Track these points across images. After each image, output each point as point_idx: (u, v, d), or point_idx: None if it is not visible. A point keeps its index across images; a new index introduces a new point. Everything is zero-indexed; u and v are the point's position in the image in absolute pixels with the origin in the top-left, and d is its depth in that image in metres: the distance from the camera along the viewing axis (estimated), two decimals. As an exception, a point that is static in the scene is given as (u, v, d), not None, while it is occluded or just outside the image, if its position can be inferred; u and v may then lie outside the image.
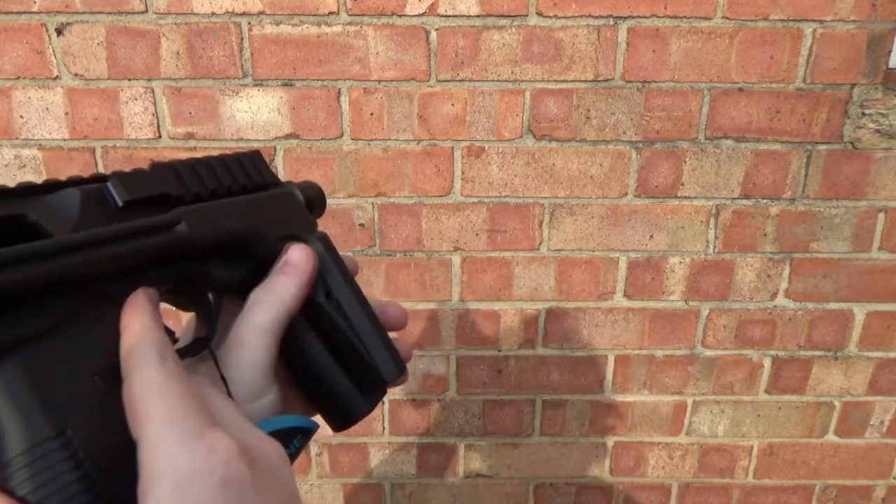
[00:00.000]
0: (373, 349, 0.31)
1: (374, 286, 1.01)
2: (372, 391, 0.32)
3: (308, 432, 0.29)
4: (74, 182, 0.22)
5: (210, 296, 0.28)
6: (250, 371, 0.27)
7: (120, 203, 0.22)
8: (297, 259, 0.29)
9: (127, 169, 0.25)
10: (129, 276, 0.22)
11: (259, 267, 0.29)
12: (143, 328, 0.21)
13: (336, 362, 0.31)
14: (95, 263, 0.20)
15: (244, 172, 0.30)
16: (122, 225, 0.22)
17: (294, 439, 0.28)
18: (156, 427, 0.19)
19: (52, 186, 0.21)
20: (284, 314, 0.28)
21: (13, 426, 0.17)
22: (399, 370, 0.32)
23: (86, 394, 0.20)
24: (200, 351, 0.26)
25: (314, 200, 0.34)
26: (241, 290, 0.28)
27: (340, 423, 0.32)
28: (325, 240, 0.32)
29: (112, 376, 0.20)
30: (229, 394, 0.26)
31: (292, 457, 0.28)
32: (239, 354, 0.27)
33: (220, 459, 0.19)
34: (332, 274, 0.31)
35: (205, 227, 0.26)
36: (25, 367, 0.18)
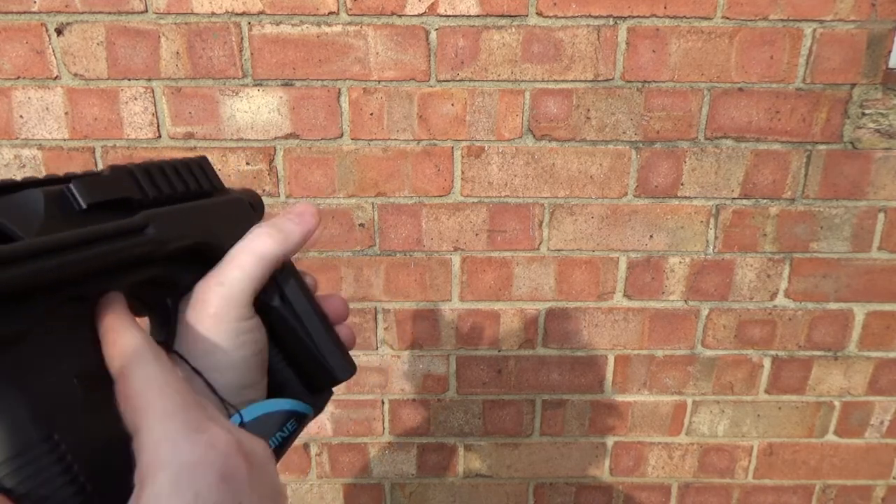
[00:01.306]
0: (325, 350, 0.32)
1: (374, 286, 1.01)
2: (322, 391, 0.32)
3: (302, 417, 0.29)
4: (31, 183, 0.22)
5: (168, 300, 0.28)
6: (236, 309, 0.26)
7: (83, 205, 0.22)
8: (303, 209, 0.30)
9: (81, 171, 0.24)
10: (99, 279, 0.23)
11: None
12: (135, 329, 0.22)
13: (288, 365, 0.31)
14: (70, 266, 0.20)
15: (195, 178, 0.30)
16: (94, 227, 0.22)
17: (287, 423, 0.28)
18: (157, 420, 0.19)
19: (10, 187, 0.21)
20: (281, 253, 0.28)
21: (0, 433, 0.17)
22: (351, 369, 0.33)
23: (68, 395, 0.20)
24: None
25: (256, 207, 0.34)
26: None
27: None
28: None
29: (91, 376, 0.21)
30: (209, 385, 0.26)
31: (286, 441, 0.28)
32: (219, 292, 0.26)
33: (219, 453, 0.19)
34: (286, 277, 0.31)
35: (171, 231, 0.26)
36: (6, 372, 0.18)
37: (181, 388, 0.20)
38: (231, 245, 0.29)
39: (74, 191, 0.22)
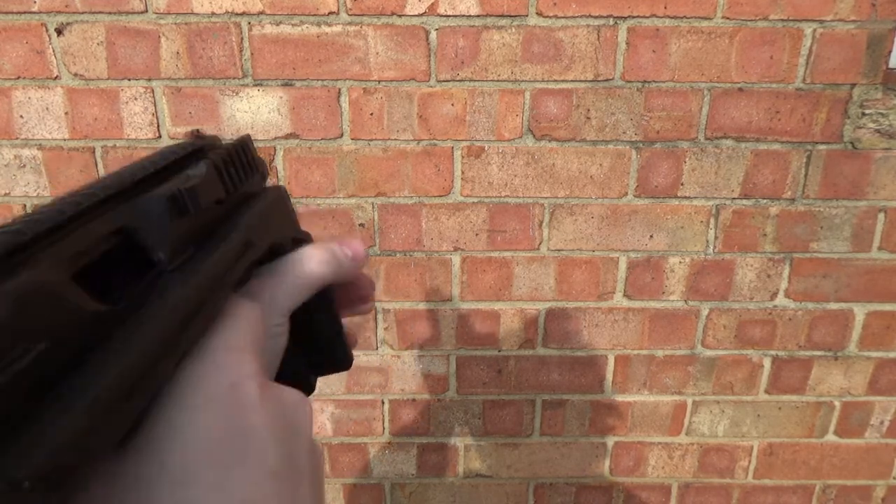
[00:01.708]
0: (333, 347, 0.33)
1: (375, 286, 1.01)
2: (315, 375, 0.34)
3: None
4: (148, 177, 0.22)
5: None
6: (276, 318, 0.28)
7: (194, 211, 0.23)
8: (359, 250, 0.31)
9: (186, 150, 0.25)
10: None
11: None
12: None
13: (293, 353, 0.32)
14: (208, 294, 0.22)
15: (247, 164, 0.30)
16: (228, 254, 0.24)
17: None
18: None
19: (134, 187, 0.21)
20: (331, 282, 0.30)
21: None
22: (350, 361, 0.34)
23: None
24: None
25: (266, 177, 0.35)
26: None
27: None
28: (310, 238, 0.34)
29: None
30: None
31: None
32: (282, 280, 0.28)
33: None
34: (322, 293, 0.32)
35: (260, 240, 0.27)
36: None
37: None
38: (279, 238, 0.30)
39: (187, 197, 0.22)
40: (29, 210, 0.94)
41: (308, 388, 0.32)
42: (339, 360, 0.33)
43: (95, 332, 0.16)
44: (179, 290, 0.20)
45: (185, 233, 0.22)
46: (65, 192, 0.19)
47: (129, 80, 0.89)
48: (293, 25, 0.87)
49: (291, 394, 0.23)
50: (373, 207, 0.97)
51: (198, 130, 0.29)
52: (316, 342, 0.32)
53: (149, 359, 0.17)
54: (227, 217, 0.26)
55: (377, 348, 1.05)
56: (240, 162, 0.28)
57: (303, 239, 0.32)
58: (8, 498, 0.12)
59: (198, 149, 0.26)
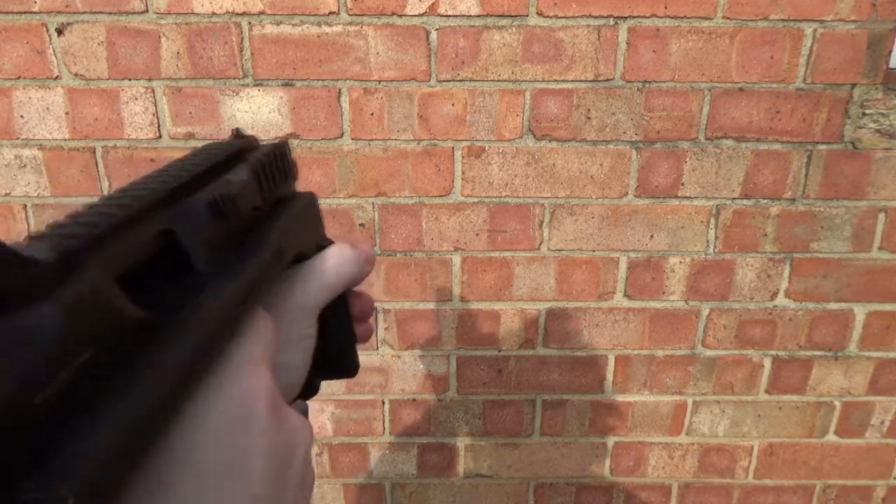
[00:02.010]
0: (345, 353, 0.34)
1: (375, 286, 1.01)
2: (323, 379, 0.34)
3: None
4: (187, 184, 0.22)
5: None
6: (309, 318, 0.28)
7: (232, 217, 0.23)
8: (370, 253, 0.32)
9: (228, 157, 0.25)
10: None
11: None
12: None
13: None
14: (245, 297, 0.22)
15: (285, 173, 0.30)
16: (263, 262, 0.24)
17: None
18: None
19: (179, 189, 0.21)
20: (355, 283, 0.31)
21: None
22: (357, 369, 0.35)
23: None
24: None
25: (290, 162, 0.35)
26: None
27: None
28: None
29: None
30: None
31: None
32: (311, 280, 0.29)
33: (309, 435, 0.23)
34: (341, 296, 0.33)
35: (290, 247, 0.27)
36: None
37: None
38: (306, 247, 0.30)
39: (228, 203, 0.23)
40: (30, 210, 0.94)
41: (312, 392, 0.33)
42: (348, 366, 0.34)
43: (135, 338, 0.16)
44: (214, 301, 0.20)
45: (222, 238, 0.22)
46: (115, 190, 0.19)
47: (130, 80, 0.89)
48: (293, 25, 0.87)
49: (296, 419, 0.23)
50: (373, 207, 0.97)
51: (238, 130, 0.29)
52: (328, 347, 0.32)
53: (185, 371, 0.17)
54: (261, 221, 0.26)
55: (377, 348, 1.05)
56: (277, 168, 0.29)
57: (325, 245, 0.32)
58: None
59: (238, 150, 0.26)
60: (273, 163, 0.28)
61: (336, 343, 0.33)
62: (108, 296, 0.16)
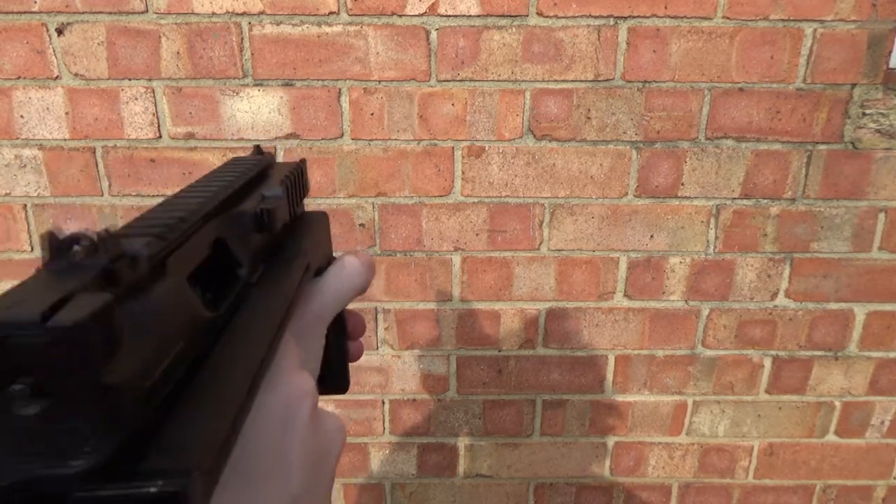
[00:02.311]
0: (340, 368, 0.35)
1: (375, 286, 1.01)
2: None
3: None
4: (230, 197, 0.24)
5: None
6: (321, 327, 0.29)
7: (271, 230, 0.25)
8: (372, 262, 0.34)
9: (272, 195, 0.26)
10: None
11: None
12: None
13: None
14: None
15: (303, 189, 0.32)
16: (296, 275, 0.26)
17: None
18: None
19: (226, 201, 0.23)
20: (364, 288, 0.32)
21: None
22: (348, 385, 0.36)
23: None
24: None
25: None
26: None
27: None
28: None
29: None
30: None
31: None
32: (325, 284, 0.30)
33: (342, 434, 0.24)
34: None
35: (313, 262, 0.29)
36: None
37: None
38: (323, 262, 0.32)
39: (268, 217, 0.24)
40: (30, 210, 0.94)
41: None
42: (341, 383, 0.35)
43: (207, 336, 0.18)
44: (266, 309, 0.21)
45: (260, 249, 0.24)
46: (172, 196, 0.20)
47: (130, 80, 0.89)
48: (293, 25, 0.87)
49: (332, 423, 0.24)
50: (373, 207, 0.97)
51: (258, 147, 0.31)
52: (324, 362, 0.33)
53: (255, 370, 0.18)
54: (286, 236, 0.28)
55: (377, 348, 1.05)
56: (300, 185, 0.31)
57: (332, 259, 0.34)
58: (182, 485, 0.13)
59: (264, 167, 0.28)
60: (296, 181, 0.30)
61: (332, 359, 0.34)
62: (187, 296, 0.17)
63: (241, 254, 0.22)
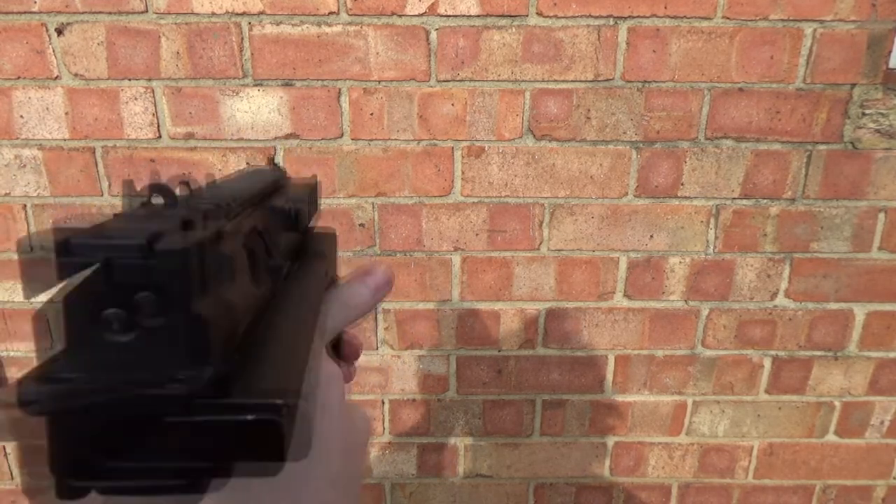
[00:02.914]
0: None
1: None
2: None
3: None
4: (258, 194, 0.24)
5: None
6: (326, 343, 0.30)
7: (298, 229, 0.26)
8: (389, 279, 0.34)
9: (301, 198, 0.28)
10: None
11: None
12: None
13: None
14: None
15: (315, 205, 0.33)
16: (322, 277, 0.27)
17: None
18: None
19: (265, 196, 0.24)
20: (373, 305, 0.32)
21: None
22: None
23: None
24: None
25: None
26: None
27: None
28: None
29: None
30: None
31: None
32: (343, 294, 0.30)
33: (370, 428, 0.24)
34: None
35: (329, 276, 0.30)
36: None
37: None
38: (333, 276, 0.32)
39: (298, 216, 0.26)
40: (30, 210, 0.94)
41: None
42: None
43: (260, 304, 0.19)
44: (299, 293, 0.22)
45: (288, 247, 0.25)
46: (212, 184, 0.22)
47: (130, 80, 0.89)
48: (293, 25, 0.87)
49: (361, 410, 0.24)
50: (373, 207, 0.97)
51: (273, 160, 0.32)
52: None
53: (314, 332, 0.20)
54: (302, 248, 0.28)
55: (377, 348, 1.05)
56: (314, 202, 0.32)
57: (336, 279, 0.34)
58: (277, 413, 0.14)
59: (279, 178, 0.29)
60: (311, 196, 0.31)
61: None
62: (245, 263, 0.19)
63: (275, 246, 0.23)
